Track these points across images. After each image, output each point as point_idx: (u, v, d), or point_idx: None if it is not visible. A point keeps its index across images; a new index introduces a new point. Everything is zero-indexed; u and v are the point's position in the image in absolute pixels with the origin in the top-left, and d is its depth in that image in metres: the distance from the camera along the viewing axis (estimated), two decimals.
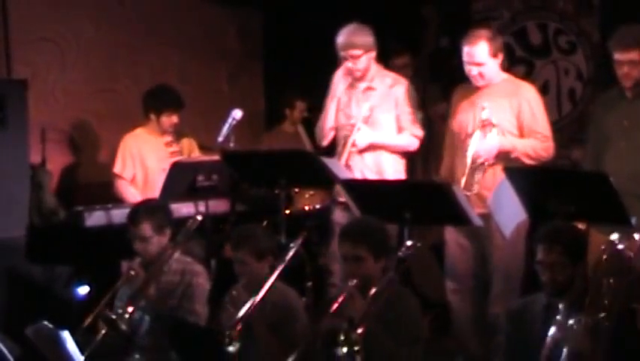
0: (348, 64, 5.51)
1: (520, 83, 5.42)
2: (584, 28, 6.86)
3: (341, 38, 5.50)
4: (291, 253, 4.42)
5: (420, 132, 5.56)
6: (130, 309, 4.42)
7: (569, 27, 6.93)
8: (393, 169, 5.55)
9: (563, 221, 4.13)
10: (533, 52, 7.08)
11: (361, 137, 5.45)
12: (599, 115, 5.16)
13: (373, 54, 5.55)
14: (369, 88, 5.57)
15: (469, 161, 5.09)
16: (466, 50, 5.20)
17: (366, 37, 5.51)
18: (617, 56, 4.91)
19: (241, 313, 4.14)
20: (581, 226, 4.48)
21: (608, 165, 4.88)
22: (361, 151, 5.50)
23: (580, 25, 6.88)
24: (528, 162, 5.15)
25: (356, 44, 5.47)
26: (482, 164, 5.09)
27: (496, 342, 4.50)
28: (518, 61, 7.07)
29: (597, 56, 6.75)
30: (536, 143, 5.19)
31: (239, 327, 4.07)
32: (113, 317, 4.39)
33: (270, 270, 4.35)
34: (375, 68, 5.62)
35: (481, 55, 5.17)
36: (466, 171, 5.08)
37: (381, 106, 5.54)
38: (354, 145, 5.46)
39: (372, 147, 5.51)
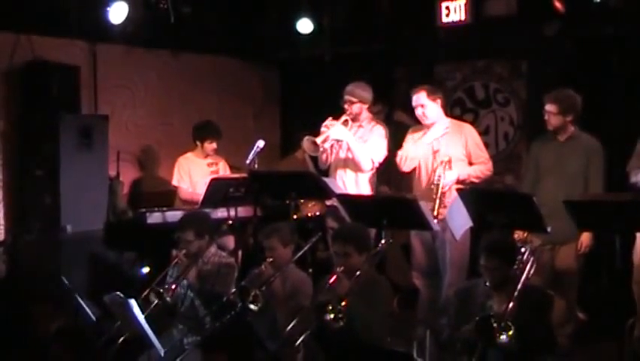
0: (345, 106, 5.47)
1: (462, 124, 5.41)
2: (515, 88, 6.89)
3: (348, 87, 5.49)
4: (308, 245, 4.53)
5: (369, 166, 5.41)
6: (174, 286, 4.38)
7: (504, 87, 6.95)
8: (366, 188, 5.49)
9: (498, 232, 4.09)
10: (478, 104, 7.10)
11: (335, 131, 5.37)
12: (537, 151, 5.15)
13: (366, 106, 5.51)
14: (359, 126, 5.53)
15: (438, 192, 5.00)
16: (413, 98, 5.23)
17: (364, 93, 5.47)
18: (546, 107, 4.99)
19: (266, 280, 4.21)
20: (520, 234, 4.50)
21: (544, 193, 4.81)
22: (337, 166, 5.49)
23: (512, 86, 6.90)
24: (477, 181, 5.18)
25: (354, 94, 5.45)
26: (444, 193, 5.04)
27: (442, 322, 4.46)
28: (468, 110, 7.10)
29: (525, 108, 6.80)
30: (481, 166, 5.22)
31: (264, 288, 4.11)
32: (161, 290, 4.35)
33: (292, 255, 4.38)
34: (368, 116, 5.56)
35: (421, 98, 5.19)
36: (436, 201, 4.98)
37: (363, 137, 5.47)
38: (327, 135, 5.33)
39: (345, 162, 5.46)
